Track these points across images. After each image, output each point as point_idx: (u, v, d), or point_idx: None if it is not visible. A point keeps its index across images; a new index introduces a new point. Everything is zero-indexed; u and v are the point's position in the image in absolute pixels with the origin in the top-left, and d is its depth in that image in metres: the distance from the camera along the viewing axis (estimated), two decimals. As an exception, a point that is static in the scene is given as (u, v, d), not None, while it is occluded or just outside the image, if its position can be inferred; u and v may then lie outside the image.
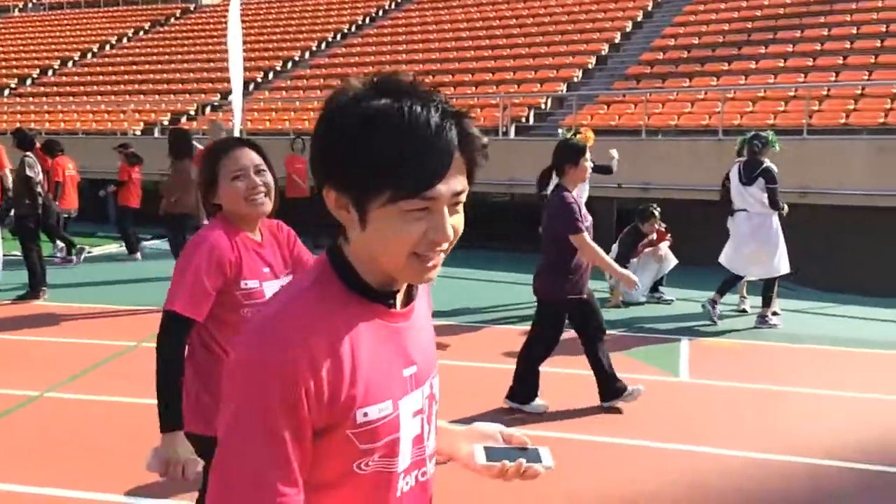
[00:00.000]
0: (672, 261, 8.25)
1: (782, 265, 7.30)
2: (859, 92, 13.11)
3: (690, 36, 16.99)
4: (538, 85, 16.70)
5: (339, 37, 22.52)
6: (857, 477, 4.08)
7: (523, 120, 15.46)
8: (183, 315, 2.24)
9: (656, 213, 8.25)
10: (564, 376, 5.58)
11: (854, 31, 15.23)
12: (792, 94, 13.38)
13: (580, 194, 6.45)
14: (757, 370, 5.95)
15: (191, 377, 2.34)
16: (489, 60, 18.49)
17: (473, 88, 17.30)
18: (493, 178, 13.57)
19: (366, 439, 1.14)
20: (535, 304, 5.14)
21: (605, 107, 14.96)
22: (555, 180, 4.94)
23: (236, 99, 8.67)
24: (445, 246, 1.11)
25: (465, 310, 7.96)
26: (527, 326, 7.14)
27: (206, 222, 2.53)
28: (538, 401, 5.00)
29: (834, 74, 13.99)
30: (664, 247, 8.23)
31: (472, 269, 10.55)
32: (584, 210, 4.87)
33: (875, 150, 10.90)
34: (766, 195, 7.15)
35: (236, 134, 8.60)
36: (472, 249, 13.43)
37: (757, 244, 7.26)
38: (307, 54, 21.77)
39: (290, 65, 21.38)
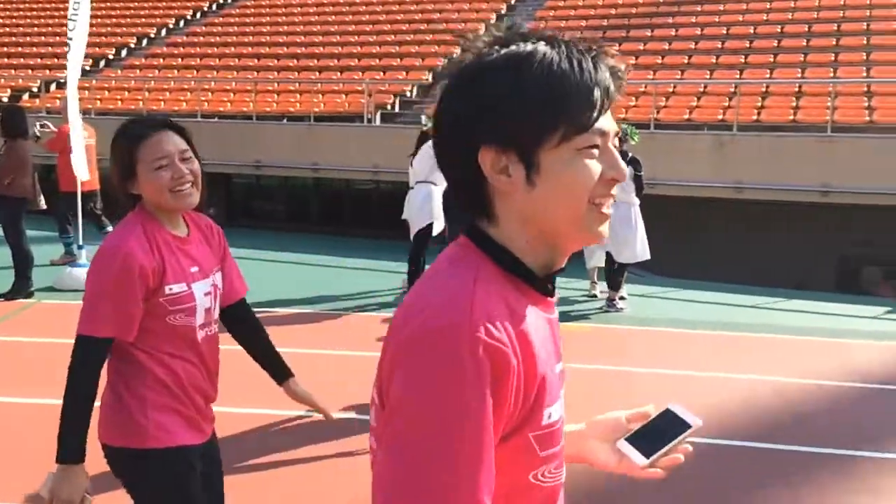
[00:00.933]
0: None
1: (646, 251, 7.75)
2: (702, 89, 14.03)
3: (551, 30, 17.51)
4: (404, 73, 16.76)
5: (198, 15, 21.63)
6: (703, 452, 4.40)
7: (388, 107, 15.48)
8: (104, 338, 1.99)
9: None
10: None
11: (698, 32, 16.23)
12: (642, 89, 14.12)
13: None
14: (607, 352, 6.28)
15: (107, 388, 2.11)
16: (355, 46, 18.35)
17: (338, 74, 17.13)
18: (357, 164, 13.56)
19: (546, 444, 1.02)
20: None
21: (469, 96, 15.20)
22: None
23: (72, 75, 8.07)
24: (616, 190, 1.05)
25: (327, 297, 7.92)
26: (388, 314, 7.26)
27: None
28: None
29: (680, 73, 14.88)
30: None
31: (334, 256, 10.51)
32: None
33: (715, 145, 11.70)
34: (633, 184, 7.57)
35: (71, 114, 8.02)
36: (334, 236, 13.43)
37: (624, 231, 7.65)
38: (164, 31, 20.80)
39: (145, 42, 20.35)
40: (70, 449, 1.95)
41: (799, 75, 13.98)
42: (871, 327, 7.51)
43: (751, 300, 8.39)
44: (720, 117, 12.91)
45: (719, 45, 15.48)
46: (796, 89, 13.44)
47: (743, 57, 14.91)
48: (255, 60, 18.29)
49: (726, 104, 13.21)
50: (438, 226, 7.89)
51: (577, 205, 1.01)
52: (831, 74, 13.67)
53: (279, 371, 2.33)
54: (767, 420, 4.80)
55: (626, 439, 1.24)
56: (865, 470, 4.15)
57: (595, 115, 1.00)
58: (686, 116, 13.14)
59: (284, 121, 15.24)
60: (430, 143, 7.70)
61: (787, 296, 8.84)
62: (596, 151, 1.01)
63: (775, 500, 3.80)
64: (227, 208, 15.51)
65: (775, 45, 15.15)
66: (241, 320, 2.35)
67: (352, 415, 4.65)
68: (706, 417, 4.68)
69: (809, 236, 12.47)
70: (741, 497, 3.83)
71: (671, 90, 14.22)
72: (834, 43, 14.80)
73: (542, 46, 1.01)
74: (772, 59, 14.67)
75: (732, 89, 13.04)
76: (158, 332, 2.05)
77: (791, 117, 12.62)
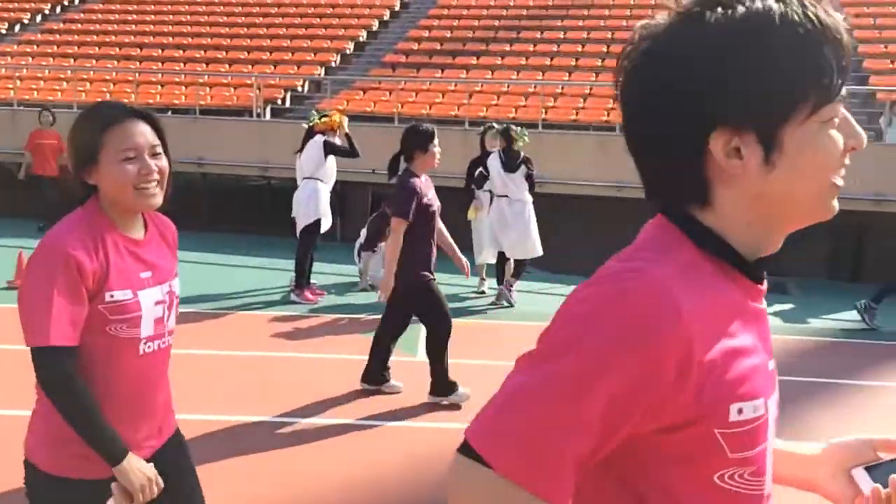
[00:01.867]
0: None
1: (538, 247, 7.94)
2: (588, 92, 14.49)
3: (444, 29, 17.69)
4: (295, 67, 16.51)
5: (76, 0, 20.60)
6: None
7: (279, 102, 15.22)
8: (61, 346, 1.79)
9: (402, 199, 8.53)
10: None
11: (585, 35, 16.75)
12: (531, 90, 14.45)
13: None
14: (494, 347, 6.40)
15: (39, 410, 1.93)
16: (244, 39, 17.92)
17: (227, 66, 16.70)
18: (246, 160, 13.26)
19: (738, 445, 0.91)
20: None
21: (362, 92, 15.16)
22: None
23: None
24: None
25: (212, 296, 7.73)
26: (275, 312, 7.16)
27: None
28: (461, 389, 4.96)
29: (567, 74, 15.32)
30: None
31: (221, 254, 10.26)
32: (430, 196, 4.82)
33: (599, 145, 12.11)
34: (526, 182, 7.75)
35: None
36: (224, 234, 13.09)
37: (519, 228, 7.80)
38: (38, 17, 19.68)
39: (17, 28, 19.21)
40: (110, 451, 1.83)
41: (678, 80, 14.62)
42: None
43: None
44: (604, 118, 13.38)
45: (604, 49, 16.01)
46: (675, 93, 14.05)
47: (626, 61, 15.46)
48: (138, 50, 17.60)
49: (610, 106, 13.68)
50: (326, 223, 7.83)
51: (822, 182, 0.92)
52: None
53: None
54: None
55: (866, 468, 1.05)
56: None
57: (843, 78, 0.90)
58: (573, 117, 13.54)
59: (169, 113, 14.73)
60: (316, 138, 7.63)
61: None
62: (837, 121, 0.92)
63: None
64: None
65: (656, 50, 15.79)
66: None
67: (247, 417, 4.57)
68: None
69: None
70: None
71: (559, 91, 14.62)
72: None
73: (771, 2, 0.87)
74: (653, 64, 15.28)
75: (616, 92, 13.49)
76: (95, 345, 1.86)
77: (670, 120, 13.19)
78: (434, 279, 4.88)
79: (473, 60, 16.08)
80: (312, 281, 7.89)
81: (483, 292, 8.38)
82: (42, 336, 1.78)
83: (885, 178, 10.78)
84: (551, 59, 15.81)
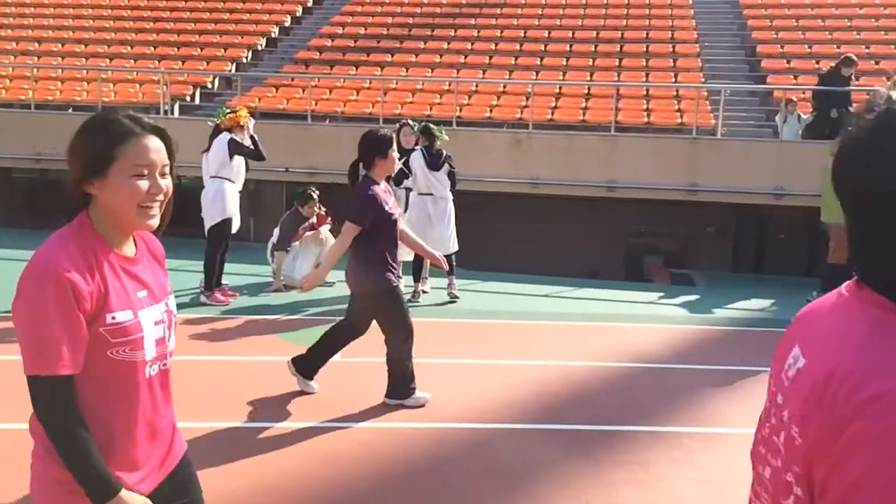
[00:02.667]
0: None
1: (454, 244, 7.98)
2: (501, 89, 14.64)
3: (358, 26, 17.56)
4: (205, 63, 16.09)
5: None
6: (496, 435, 4.60)
7: (188, 99, 14.79)
8: (61, 375, 1.67)
9: (315, 196, 8.42)
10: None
11: (499, 33, 16.93)
12: (446, 87, 14.50)
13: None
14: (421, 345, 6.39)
15: (39, 452, 1.78)
16: (150, 33, 17.36)
17: (132, 62, 16.14)
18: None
19: None
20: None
21: (274, 90, 14.90)
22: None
23: None
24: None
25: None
26: (186, 315, 6.94)
27: None
28: (418, 393, 4.92)
29: (481, 72, 15.44)
30: (325, 230, 8.45)
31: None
32: (390, 202, 4.79)
33: (512, 143, 12.25)
34: (449, 180, 7.75)
35: None
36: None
37: (440, 226, 7.80)
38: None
39: None
40: (98, 488, 1.70)
41: (588, 78, 14.97)
42: (648, 311, 8.21)
43: (545, 290, 8.88)
44: (518, 116, 13.54)
45: (517, 48, 16.23)
46: (586, 91, 14.38)
47: (539, 59, 15.73)
48: (36, 45, 16.81)
49: (524, 104, 13.88)
50: (236, 223, 7.66)
51: None
52: (616, 78, 14.76)
53: None
54: (554, 402, 5.11)
55: None
56: (636, 443, 4.53)
57: None
58: (487, 114, 13.65)
59: (70, 111, 14.11)
60: (222, 136, 7.43)
61: (578, 285, 9.46)
62: None
63: (557, 476, 4.05)
64: (6, 207, 14.16)
65: (567, 49, 16.12)
66: None
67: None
68: (500, 404, 4.90)
69: (600, 229, 13.43)
70: (528, 476, 4.05)
71: (473, 89, 14.72)
72: (618, 49, 16.00)
73: None
74: (564, 63, 15.60)
75: (529, 90, 13.70)
76: (95, 371, 1.73)
77: (581, 117, 13.49)
78: (397, 285, 4.88)
79: (388, 58, 16.02)
80: (224, 282, 7.69)
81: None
82: (37, 364, 1.67)
83: (783, 173, 11.29)
84: (465, 57, 15.90)
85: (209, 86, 15.47)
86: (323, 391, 5.07)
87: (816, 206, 11.40)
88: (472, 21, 17.56)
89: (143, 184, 1.75)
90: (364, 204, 4.66)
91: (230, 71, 15.77)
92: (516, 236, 13.01)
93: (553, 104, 14.03)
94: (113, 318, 1.73)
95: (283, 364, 5.14)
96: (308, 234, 8.36)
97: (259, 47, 17.05)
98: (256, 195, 12.09)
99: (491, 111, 13.77)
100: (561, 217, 13.12)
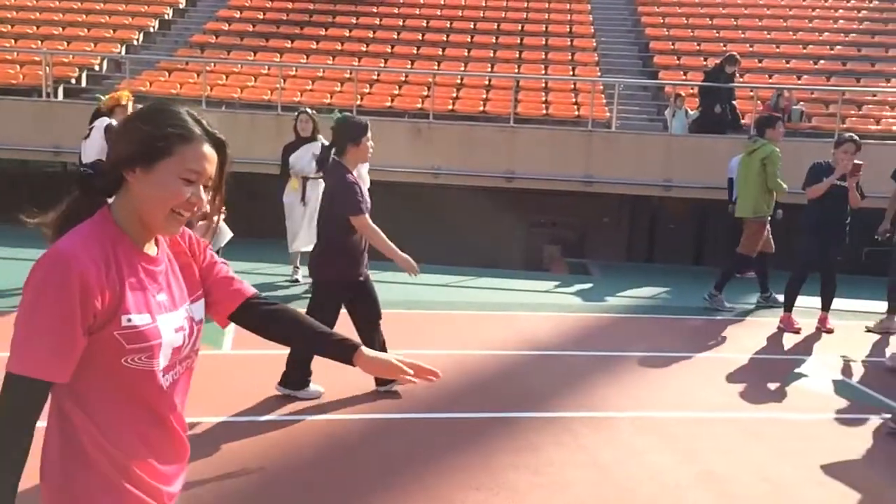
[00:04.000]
0: (227, 234, 8.27)
1: None
2: (403, 79, 14.60)
3: (256, 10, 17.13)
4: (92, 44, 15.36)
5: None
6: (389, 426, 4.59)
7: (73, 81, 14.08)
8: (36, 378, 1.50)
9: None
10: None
11: (401, 23, 16.86)
12: (347, 76, 14.35)
13: (360, 174, 6.22)
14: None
15: (55, 457, 1.61)
16: (33, 12, 16.43)
17: (12, 42, 15.23)
18: (34, 144, 12.19)
19: None
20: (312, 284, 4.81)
21: (167, 73, 14.37)
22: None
23: None
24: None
25: (3, 293, 7.05)
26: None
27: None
28: (313, 385, 4.82)
29: (383, 61, 15.35)
30: (218, 219, 8.19)
31: (8, 247, 9.36)
32: (364, 191, 4.71)
33: (413, 132, 12.25)
34: None
35: None
36: (11, 224, 11.95)
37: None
38: None
39: None
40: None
41: (489, 70, 15.11)
42: (543, 300, 8.39)
43: (443, 280, 8.94)
44: (419, 106, 13.54)
45: (419, 38, 16.21)
46: (486, 83, 14.51)
47: (440, 50, 15.77)
48: None
49: (425, 93, 13.88)
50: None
51: None
52: (516, 70, 14.96)
53: (344, 348, 1.83)
54: (448, 391, 5.14)
55: None
56: (527, 428, 4.62)
57: None
58: (388, 104, 13.59)
59: (-58, 91, 13.21)
60: (101, 120, 7.10)
61: (476, 274, 9.56)
62: None
63: (446, 464, 4.09)
64: None
65: (469, 40, 16.23)
66: (268, 319, 1.86)
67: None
68: (392, 393, 4.84)
69: (499, 219, 13.61)
70: (418, 465, 4.07)
71: (375, 78, 14.62)
72: (518, 42, 16.22)
73: None
74: (466, 54, 15.70)
75: (430, 80, 13.72)
76: (105, 382, 1.58)
77: (481, 108, 13.62)
78: (367, 273, 4.89)
79: (287, 44, 15.71)
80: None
81: (297, 280, 8.23)
82: (18, 361, 1.51)
83: (672, 166, 11.74)
84: (367, 46, 15.77)
85: (97, 68, 14.77)
86: (212, 387, 4.95)
87: (703, 198, 11.97)
88: (375, 10, 17.43)
89: (187, 190, 1.63)
90: (354, 193, 4.60)
91: (120, 53, 15.11)
92: (416, 226, 13.01)
93: (454, 95, 14.09)
94: (129, 320, 1.59)
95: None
96: (200, 223, 8.07)
97: (151, 29, 16.40)
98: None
99: (392, 100, 13.71)
100: (461, 207, 13.21)
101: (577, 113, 13.56)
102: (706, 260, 13.34)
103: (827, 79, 14.73)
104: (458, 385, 5.31)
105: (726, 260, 8.40)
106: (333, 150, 4.80)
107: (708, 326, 7.34)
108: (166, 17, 16.98)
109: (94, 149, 7.04)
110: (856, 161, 6.86)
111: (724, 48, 14.43)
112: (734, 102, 12.20)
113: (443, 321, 7.14)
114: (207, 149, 1.66)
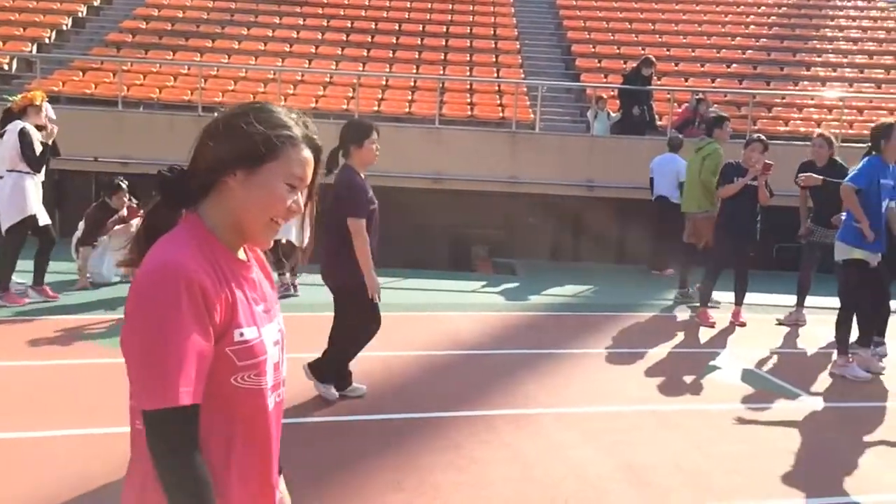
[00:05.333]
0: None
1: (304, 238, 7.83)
2: (328, 80, 14.49)
3: (175, 9, 16.72)
4: (1, 43, 14.73)
5: None
6: (316, 429, 4.55)
7: (-19, 81, 13.47)
8: (185, 406, 1.36)
9: (123, 186, 7.95)
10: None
11: (325, 23, 16.72)
12: (270, 76, 14.15)
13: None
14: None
15: (127, 483, 1.49)
16: (-65, 7, 15.66)
17: (-88, 38, 14.49)
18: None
19: None
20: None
21: (81, 73, 13.89)
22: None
23: None
24: None
25: None
26: None
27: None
28: (357, 385, 5.01)
29: (307, 62, 15.20)
30: (136, 224, 7.99)
31: None
32: (371, 194, 4.66)
33: (338, 134, 12.15)
34: None
35: None
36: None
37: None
38: None
39: None
40: None
41: (414, 71, 15.14)
42: (469, 300, 8.46)
43: (370, 281, 8.90)
44: (344, 107, 13.45)
45: (344, 38, 16.11)
46: (411, 84, 14.53)
47: (366, 51, 15.71)
48: None
49: (350, 95, 13.81)
50: (44, 217, 7.06)
51: None
52: (441, 72, 15.03)
53: None
54: (372, 393, 5.14)
55: None
56: (451, 427, 4.66)
57: None
58: (312, 105, 13.45)
59: None
60: (12, 125, 6.82)
61: (402, 276, 9.57)
62: None
63: (371, 466, 4.09)
64: None
65: (394, 41, 16.22)
66: None
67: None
68: (317, 398, 4.84)
69: (426, 220, 13.63)
70: (342, 468, 4.05)
71: (299, 79, 14.47)
72: (443, 44, 16.30)
73: None
74: (391, 55, 15.69)
75: (355, 81, 13.65)
76: (218, 404, 1.44)
77: (407, 110, 13.63)
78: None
79: (208, 43, 15.39)
80: (20, 282, 7.09)
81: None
82: (161, 396, 1.35)
83: (594, 167, 11.99)
84: (291, 46, 15.59)
85: (6, 67, 14.16)
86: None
87: (624, 198, 12.26)
88: (299, 10, 17.24)
89: (291, 197, 1.52)
90: (360, 197, 4.60)
91: (30, 52, 14.53)
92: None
93: (379, 96, 14.06)
94: (241, 334, 1.47)
95: (101, 367, 4.83)
96: (118, 227, 7.88)
97: (64, 27, 15.83)
98: (62, 186, 11.22)
99: (317, 101, 13.59)
100: (387, 208, 13.16)
101: (501, 114, 13.72)
102: (627, 259, 13.67)
103: (739, 82, 15.31)
104: (382, 387, 5.31)
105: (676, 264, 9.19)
106: (340, 153, 4.80)
107: (629, 323, 7.54)
108: (80, 14, 16.41)
109: (10, 152, 6.74)
110: (766, 161, 7.16)
111: (643, 52, 14.82)
112: (652, 104, 12.55)
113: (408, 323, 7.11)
114: (308, 153, 1.55)
